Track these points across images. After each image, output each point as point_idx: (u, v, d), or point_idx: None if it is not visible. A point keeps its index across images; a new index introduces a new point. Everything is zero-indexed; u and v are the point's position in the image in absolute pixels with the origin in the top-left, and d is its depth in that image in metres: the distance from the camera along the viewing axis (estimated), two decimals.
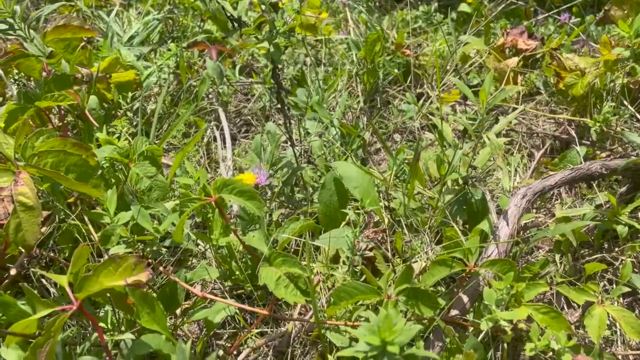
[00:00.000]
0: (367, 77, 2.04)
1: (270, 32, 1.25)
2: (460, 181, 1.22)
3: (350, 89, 2.08)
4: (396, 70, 2.06)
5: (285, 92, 1.47)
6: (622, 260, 1.20)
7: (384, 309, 0.88)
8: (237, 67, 2.20)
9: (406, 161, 1.52)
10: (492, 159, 1.30)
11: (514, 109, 1.80)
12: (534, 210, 1.35)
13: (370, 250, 1.10)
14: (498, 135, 1.37)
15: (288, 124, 1.52)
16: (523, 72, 1.98)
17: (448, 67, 1.95)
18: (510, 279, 0.90)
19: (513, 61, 1.83)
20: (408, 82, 2.10)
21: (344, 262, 1.08)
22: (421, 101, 1.98)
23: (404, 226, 1.22)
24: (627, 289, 1.07)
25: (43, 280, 1.27)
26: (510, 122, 1.66)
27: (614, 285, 1.21)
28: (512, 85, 1.87)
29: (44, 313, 0.88)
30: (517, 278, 0.97)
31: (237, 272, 1.21)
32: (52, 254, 1.29)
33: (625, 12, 1.58)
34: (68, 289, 0.89)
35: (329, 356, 0.96)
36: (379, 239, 1.15)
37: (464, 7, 2.52)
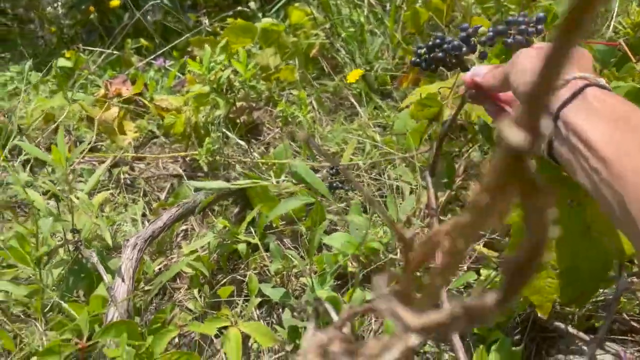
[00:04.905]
0: None
1: None
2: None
3: None
4: None
5: None
6: (248, 274, 1.27)
7: None
8: None
9: None
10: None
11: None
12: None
13: None
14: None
15: None
16: (135, 118, 1.97)
17: None
18: (124, 341, 0.81)
19: (114, 111, 1.78)
20: None
21: None
22: None
23: None
24: (258, 301, 1.13)
25: None
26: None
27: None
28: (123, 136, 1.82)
29: None
30: (142, 334, 0.90)
31: None
32: None
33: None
34: None
35: None
36: None
37: (63, 62, 2.38)
